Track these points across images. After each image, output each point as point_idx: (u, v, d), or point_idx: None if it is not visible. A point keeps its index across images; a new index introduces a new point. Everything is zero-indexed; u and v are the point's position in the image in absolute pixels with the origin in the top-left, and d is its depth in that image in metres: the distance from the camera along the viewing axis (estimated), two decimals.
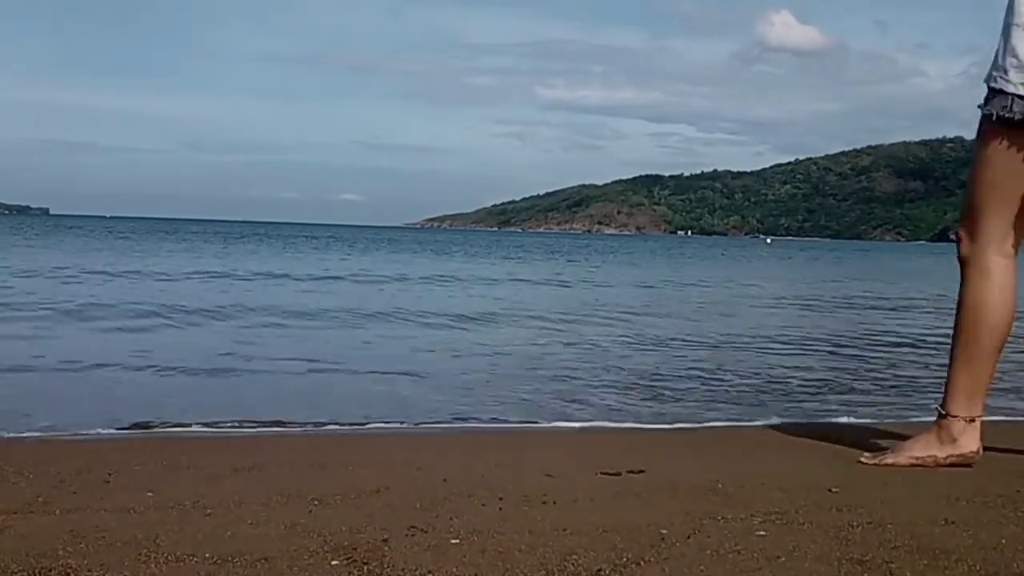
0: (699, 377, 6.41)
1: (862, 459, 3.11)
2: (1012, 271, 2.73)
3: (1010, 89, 2.64)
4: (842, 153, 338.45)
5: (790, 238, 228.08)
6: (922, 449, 2.96)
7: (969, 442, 2.87)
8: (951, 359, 2.87)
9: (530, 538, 2.23)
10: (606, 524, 2.36)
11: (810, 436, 4.00)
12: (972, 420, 2.85)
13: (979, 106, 2.75)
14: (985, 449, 3.00)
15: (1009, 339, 2.88)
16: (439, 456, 3.39)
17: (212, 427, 4.24)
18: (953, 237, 2.77)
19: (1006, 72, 2.66)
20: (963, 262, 2.78)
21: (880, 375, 6.83)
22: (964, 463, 2.90)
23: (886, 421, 4.68)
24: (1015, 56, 2.65)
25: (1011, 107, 2.64)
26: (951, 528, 2.40)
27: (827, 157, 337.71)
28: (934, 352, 8.15)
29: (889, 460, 3.02)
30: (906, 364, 7.53)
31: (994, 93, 2.70)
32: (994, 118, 2.67)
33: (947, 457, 2.90)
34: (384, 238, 72.39)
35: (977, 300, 2.74)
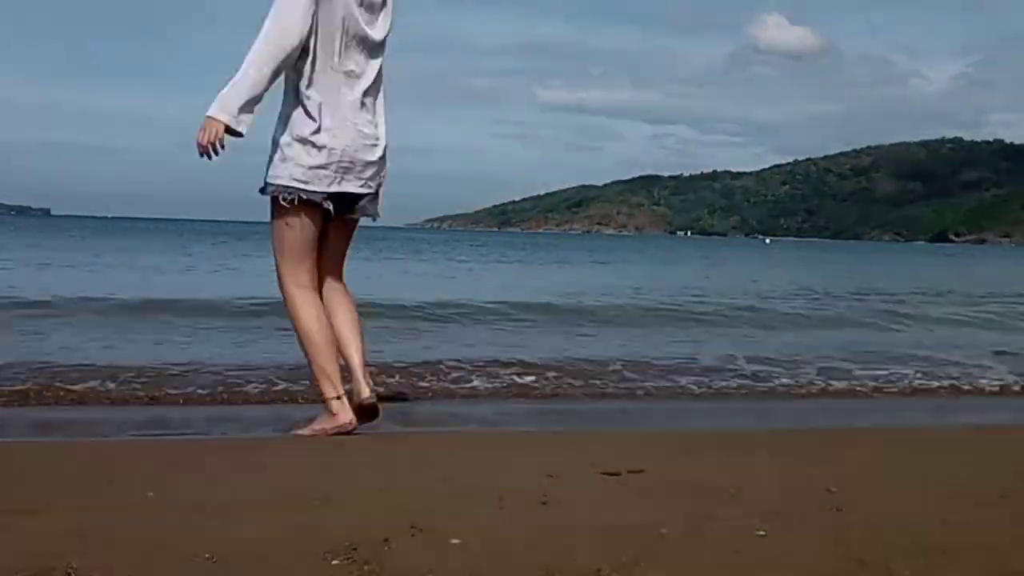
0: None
1: (293, 432, 3.74)
2: (317, 299, 3.65)
3: (282, 182, 3.51)
4: (841, 154, 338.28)
5: (789, 238, 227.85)
6: (319, 424, 3.69)
7: (344, 414, 3.64)
8: (308, 362, 3.67)
9: (530, 538, 2.24)
10: (606, 524, 2.36)
11: (810, 436, 4.00)
12: (339, 397, 3.63)
13: (260, 190, 3.58)
14: None
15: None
16: (439, 456, 3.39)
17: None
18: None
19: (276, 167, 3.52)
20: (287, 295, 3.65)
21: None
22: (344, 431, 3.64)
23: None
24: (283, 161, 3.51)
25: (287, 196, 3.50)
26: (950, 528, 2.40)
27: (826, 158, 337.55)
28: None
29: (298, 432, 3.72)
30: None
31: (268, 184, 3.55)
32: (283, 202, 3.52)
33: (332, 428, 3.64)
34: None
35: (301, 319, 3.62)
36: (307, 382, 4.46)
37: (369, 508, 2.50)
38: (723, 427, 4.85)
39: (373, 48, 3.58)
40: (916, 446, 3.92)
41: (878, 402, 5.84)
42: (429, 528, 2.30)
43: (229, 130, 3.37)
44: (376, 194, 3.68)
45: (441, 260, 29.81)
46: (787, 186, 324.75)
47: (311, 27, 3.41)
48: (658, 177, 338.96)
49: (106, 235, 43.32)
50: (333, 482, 2.82)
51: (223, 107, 3.35)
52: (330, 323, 3.68)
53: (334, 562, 2.04)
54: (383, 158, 3.64)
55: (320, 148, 3.45)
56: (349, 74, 3.50)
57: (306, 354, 3.64)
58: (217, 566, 2.00)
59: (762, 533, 2.32)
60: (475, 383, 5.66)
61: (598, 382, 5.89)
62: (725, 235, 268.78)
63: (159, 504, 2.52)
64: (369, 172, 3.59)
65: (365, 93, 3.56)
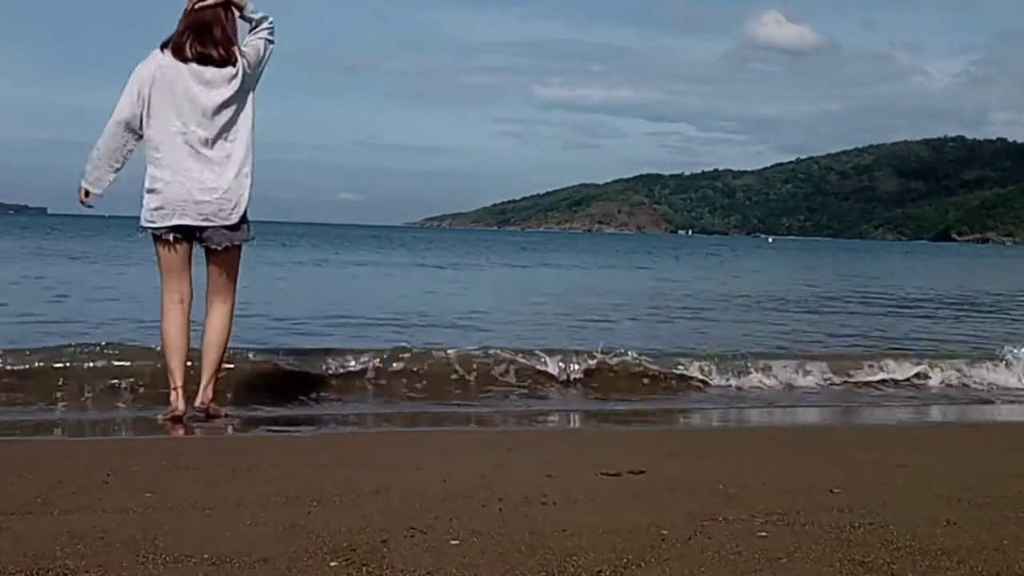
0: None
1: (159, 417, 4.38)
2: (180, 312, 4.42)
3: (142, 223, 4.35)
4: (843, 152, 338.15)
5: (791, 237, 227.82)
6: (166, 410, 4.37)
7: (178, 403, 4.32)
8: (165, 362, 4.45)
9: (530, 539, 2.22)
10: (606, 525, 2.35)
11: (811, 437, 3.99)
12: (175, 389, 4.34)
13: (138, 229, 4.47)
14: None
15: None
16: (439, 456, 3.38)
17: None
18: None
19: (142, 211, 4.36)
20: (162, 307, 4.45)
21: None
22: (176, 414, 4.28)
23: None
24: (144, 207, 4.37)
25: (143, 232, 4.41)
26: (952, 529, 2.39)
27: (828, 156, 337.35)
28: None
29: (159, 417, 4.38)
30: None
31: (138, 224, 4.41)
32: (139, 234, 4.45)
33: (168, 412, 4.31)
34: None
35: (163, 329, 4.43)
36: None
37: (368, 509, 2.49)
38: (723, 427, 4.83)
39: (214, 111, 4.36)
40: (918, 447, 3.91)
41: (879, 402, 5.83)
42: (428, 529, 2.29)
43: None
44: (226, 227, 4.41)
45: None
46: (789, 184, 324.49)
47: (143, 106, 4.32)
48: (659, 175, 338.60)
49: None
50: (331, 482, 2.81)
51: (85, 177, 4.44)
52: (201, 336, 4.49)
53: (332, 563, 2.03)
54: (222, 197, 4.38)
55: (158, 193, 4.33)
56: (188, 134, 4.33)
57: (165, 354, 4.45)
58: (215, 567, 1.99)
59: (763, 534, 2.31)
60: None
61: None
62: (726, 234, 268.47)
63: (156, 505, 2.51)
64: (207, 209, 4.36)
65: (205, 146, 4.36)
